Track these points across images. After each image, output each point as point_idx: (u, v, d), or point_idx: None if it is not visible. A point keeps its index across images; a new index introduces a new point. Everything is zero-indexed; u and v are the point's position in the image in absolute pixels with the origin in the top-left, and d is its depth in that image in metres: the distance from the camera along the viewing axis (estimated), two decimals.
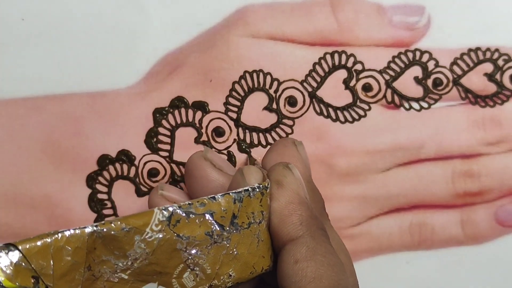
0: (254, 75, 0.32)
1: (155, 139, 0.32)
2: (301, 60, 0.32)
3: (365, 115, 0.33)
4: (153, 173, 0.32)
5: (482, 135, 0.34)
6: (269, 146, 0.32)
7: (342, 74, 0.33)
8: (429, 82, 0.33)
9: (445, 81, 0.33)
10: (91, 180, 0.31)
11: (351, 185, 0.33)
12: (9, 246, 0.19)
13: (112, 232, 0.20)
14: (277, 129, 0.32)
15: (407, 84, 0.33)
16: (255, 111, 0.32)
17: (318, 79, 0.32)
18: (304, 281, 0.22)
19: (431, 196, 0.34)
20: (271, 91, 0.32)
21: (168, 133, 0.32)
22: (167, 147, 0.32)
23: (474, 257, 0.34)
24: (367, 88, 0.33)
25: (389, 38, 0.33)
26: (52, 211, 0.31)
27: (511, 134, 0.34)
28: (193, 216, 0.22)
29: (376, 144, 0.33)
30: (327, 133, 0.32)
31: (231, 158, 0.32)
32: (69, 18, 0.31)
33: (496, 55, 0.33)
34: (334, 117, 0.33)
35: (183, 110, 0.32)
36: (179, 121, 0.32)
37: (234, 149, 0.32)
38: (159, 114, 0.32)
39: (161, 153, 0.32)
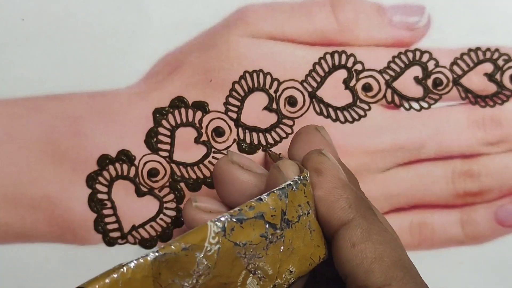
0: (254, 75, 0.32)
1: (155, 139, 0.32)
2: (301, 60, 0.32)
3: (365, 115, 0.33)
4: (153, 173, 0.32)
5: (482, 135, 0.34)
6: (268, 147, 0.32)
7: (342, 74, 0.33)
8: (429, 82, 0.33)
9: (445, 81, 0.33)
10: (91, 180, 0.31)
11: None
12: None
13: (174, 254, 0.20)
14: (277, 129, 0.32)
15: (407, 84, 0.33)
16: (255, 111, 0.32)
17: (318, 79, 0.32)
18: (366, 263, 0.22)
19: (431, 196, 0.34)
20: (271, 91, 0.32)
21: (168, 133, 0.32)
22: (167, 147, 0.32)
23: (474, 257, 0.34)
24: (367, 88, 0.33)
25: (389, 38, 0.33)
26: (52, 211, 0.31)
27: (511, 134, 0.34)
28: (246, 221, 0.22)
29: (376, 144, 0.33)
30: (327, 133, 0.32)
31: None
32: (69, 18, 0.31)
33: (496, 55, 0.33)
34: (334, 117, 0.33)
35: (183, 110, 0.32)
36: (179, 121, 0.32)
37: (234, 149, 0.32)
38: (159, 114, 0.32)
39: (161, 153, 0.32)
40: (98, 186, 0.31)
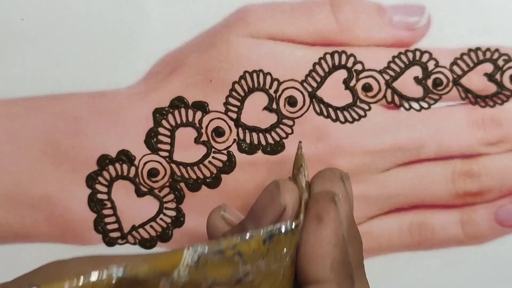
0: (254, 75, 0.32)
1: (155, 139, 0.32)
2: (301, 60, 0.32)
3: (365, 115, 0.33)
4: (153, 173, 0.32)
5: (482, 135, 0.34)
6: (268, 150, 0.32)
7: (342, 74, 0.33)
8: (429, 82, 0.33)
9: (445, 81, 0.33)
10: (91, 180, 0.31)
11: (351, 185, 0.33)
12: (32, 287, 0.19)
13: (139, 277, 0.19)
14: (277, 129, 0.32)
15: (407, 84, 0.33)
16: (255, 111, 0.32)
17: (318, 79, 0.32)
18: None
19: (431, 196, 0.34)
20: (271, 91, 0.32)
21: (168, 133, 0.32)
22: (167, 147, 0.32)
23: (474, 257, 0.34)
24: (367, 88, 0.33)
25: (389, 38, 0.33)
26: (52, 211, 0.31)
27: (511, 134, 0.34)
28: (222, 257, 0.21)
29: (376, 144, 0.33)
30: (327, 133, 0.32)
31: (231, 158, 0.32)
32: (69, 18, 0.31)
33: (496, 55, 0.33)
34: (334, 117, 0.33)
35: (183, 110, 0.32)
36: (179, 121, 0.32)
37: (234, 149, 0.32)
38: (159, 114, 0.32)
39: (161, 153, 0.32)
40: (98, 186, 0.31)
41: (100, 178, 0.32)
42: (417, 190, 0.33)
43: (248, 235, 0.22)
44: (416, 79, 0.33)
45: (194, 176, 0.32)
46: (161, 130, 0.32)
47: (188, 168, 0.32)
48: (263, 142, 0.32)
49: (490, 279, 0.35)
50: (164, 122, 0.32)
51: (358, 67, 0.33)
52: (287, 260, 0.23)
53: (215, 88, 0.32)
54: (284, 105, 0.32)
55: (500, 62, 0.34)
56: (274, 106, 0.32)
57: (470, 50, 0.33)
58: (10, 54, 0.30)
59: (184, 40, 0.32)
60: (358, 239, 0.25)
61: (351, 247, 0.24)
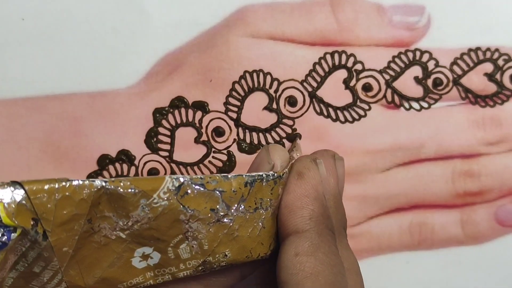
0: (254, 75, 0.32)
1: (155, 139, 0.32)
2: (301, 60, 0.32)
3: (365, 115, 0.33)
4: (153, 173, 0.32)
5: (482, 135, 0.34)
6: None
7: (342, 74, 0.33)
8: (429, 82, 0.33)
9: (445, 81, 0.33)
10: None
11: (351, 185, 0.33)
12: (15, 184, 0.19)
13: (120, 191, 0.20)
14: (277, 129, 0.32)
15: (407, 84, 0.33)
16: (255, 111, 0.32)
17: (318, 79, 0.32)
18: (300, 275, 0.22)
19: (431, 196, 0.34)
20: (271, 91, 0.32)
21: (168, 133, 0.32)
22: (167, 147, 0.32)
23: (474, 257, 0.34)
24: (367, 88, 0.33)
25: (389, 38, 0.33)
26: None
27: (511, 134, 0.34)
28: (203, 190, 0.22)
29: (376, 144, 0.33)
30: (327, 133, 0.32)
31: (231, 158, 0.32)
32: (69, 18, 0.31)
33: (496, 55, 0.33)
34: (334, 117, 0.33)
35: (183, 110, 0.32)
36: (179, 121, 0.32)
37: (234, 149, 0.32)
38: (159, 114, 0.32)
39: (161, 153, 0.32)
40: None
41: (100, 178, 0.31)
42: (417, 190, 0.33)
43: (230, 174, 0.23)
44: (416, 79, 0.33)
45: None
46: (161, 130, 0.32)
47: (188, 168, 0.32)
48: (263, 142, 0.32)
49: (490, 279, 0.35)
50: (164, 122, 0.32)
51: (358, 67, 0.33)
52: (267, 210, 0.24)
53: (215, 88, 0.32)
54: (284, 105, 0.32)
55: (500, 62, 0.34)
56: (274, 106, 0.32)
57: (470, 50, 0.33)
58: (10, 54, 0.30)
59: (184, 40, 0.32)
60: (341, 213, 0.26)
61: (334, 218, 0.24)
